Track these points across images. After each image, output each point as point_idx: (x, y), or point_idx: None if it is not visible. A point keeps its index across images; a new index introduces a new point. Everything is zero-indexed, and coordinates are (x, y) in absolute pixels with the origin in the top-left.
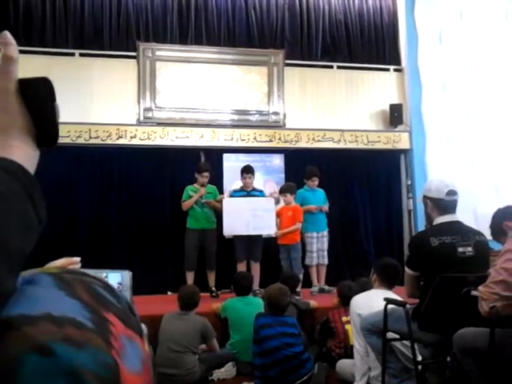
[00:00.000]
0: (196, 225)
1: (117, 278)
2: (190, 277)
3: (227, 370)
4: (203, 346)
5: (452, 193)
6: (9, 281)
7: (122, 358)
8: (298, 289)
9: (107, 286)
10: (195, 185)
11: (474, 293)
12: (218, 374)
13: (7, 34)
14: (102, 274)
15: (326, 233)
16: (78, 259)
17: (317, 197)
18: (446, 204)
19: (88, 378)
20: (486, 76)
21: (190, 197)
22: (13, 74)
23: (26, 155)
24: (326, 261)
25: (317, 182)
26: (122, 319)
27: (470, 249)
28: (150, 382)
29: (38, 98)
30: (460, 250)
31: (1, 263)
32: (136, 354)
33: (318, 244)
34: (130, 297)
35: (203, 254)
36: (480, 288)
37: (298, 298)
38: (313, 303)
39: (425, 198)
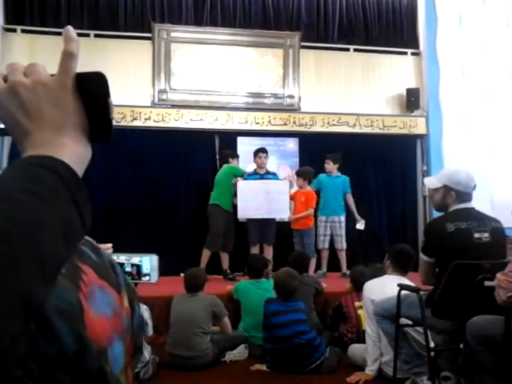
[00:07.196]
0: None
1: (149, 261)
2: (206, 257)
3: (239, 352)
4: (216, 328)
5: (475, 186)
6: (40, 293)
7: (88, 301)
8: (311, 273)
9: (87, 242)
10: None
11: (487, 283)
12: (231, 355)
13: (70, 29)
14: (137, 257)
15: (337, 218)
16: (110, 245)
17: (334, 182)
18: (469, 195)
19: (49, 310)
20: (507, 61)
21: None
22: (72, 70)
23: (75, 154)
24: (339, 246)
25: (331, 166)
26: (97, 271)
27: (486, 235)
28: (122, 331)
29: (93, 94)
30: (476, 235)
31: (34, 277)
32: (107, 302)
33: (330, 229)
34: (157, 277)
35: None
36: (498, 276)
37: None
38: (324, 286)
39: (448, 187)
